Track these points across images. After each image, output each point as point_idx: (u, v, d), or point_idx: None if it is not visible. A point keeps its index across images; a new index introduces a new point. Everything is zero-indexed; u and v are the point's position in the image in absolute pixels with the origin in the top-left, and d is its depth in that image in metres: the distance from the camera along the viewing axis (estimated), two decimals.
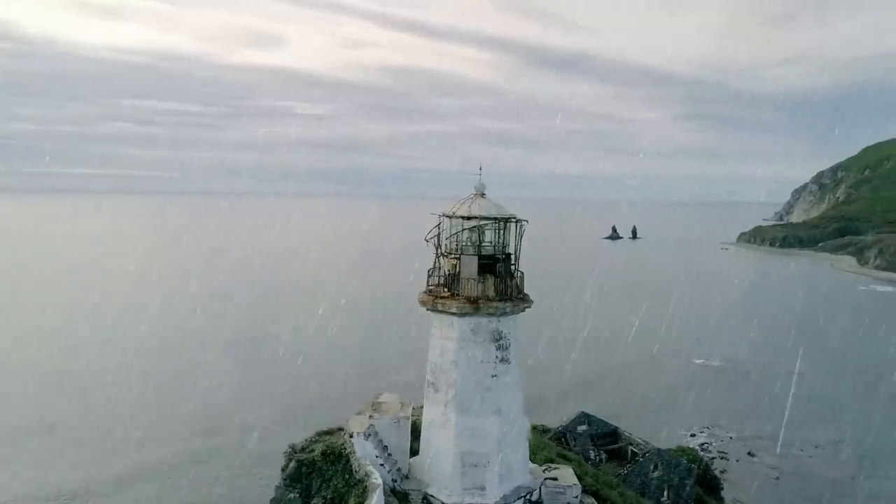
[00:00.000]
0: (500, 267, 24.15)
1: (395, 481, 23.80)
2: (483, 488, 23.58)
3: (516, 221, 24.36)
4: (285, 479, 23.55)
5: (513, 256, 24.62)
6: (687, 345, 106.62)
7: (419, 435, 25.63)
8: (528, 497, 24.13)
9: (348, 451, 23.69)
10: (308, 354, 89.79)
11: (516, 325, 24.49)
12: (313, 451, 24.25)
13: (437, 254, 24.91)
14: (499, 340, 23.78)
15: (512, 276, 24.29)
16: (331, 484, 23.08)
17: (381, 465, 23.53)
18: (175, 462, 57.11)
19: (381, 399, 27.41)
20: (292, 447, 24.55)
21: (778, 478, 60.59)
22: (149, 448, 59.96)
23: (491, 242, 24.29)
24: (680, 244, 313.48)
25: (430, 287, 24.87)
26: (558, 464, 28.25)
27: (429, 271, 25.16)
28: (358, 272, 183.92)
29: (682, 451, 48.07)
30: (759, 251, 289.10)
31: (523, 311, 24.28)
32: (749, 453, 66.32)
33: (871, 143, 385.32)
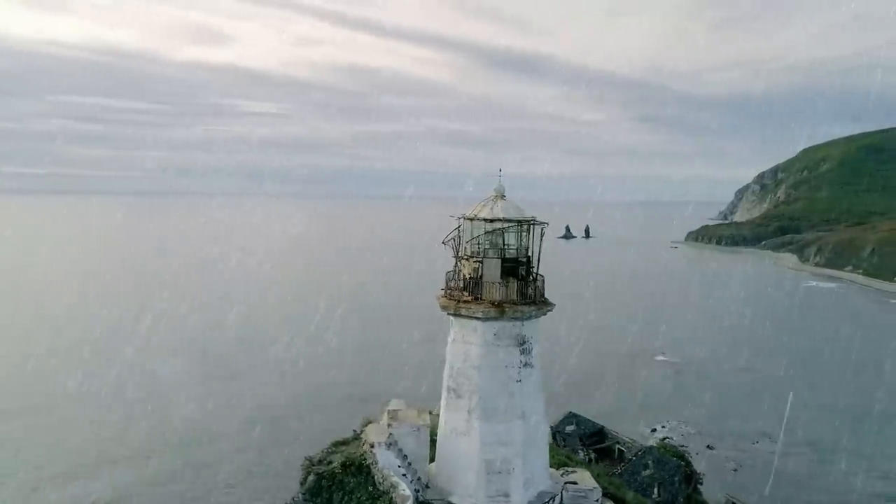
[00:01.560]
0: (522, 270, 23.83)
1: (418, 491, 23.15)
2: (507, 495, 23.19)
3: (537, 224, 24.06)
4: (304, 493, 22.56)
5: (533, 259, 24.31)
6: (647, 342, 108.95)
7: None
8: (550, 502, 23.88)
9: (369, 461, 22.91)
10: (294, 361, 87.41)
11: (538, 329, 24.20)
12: (332, 462, 23.33)
13: (456, 257, 24.38)
14: (522, 344, 23.43)
15: (534, 279, 23.98)
16: (353, 497, 22.25)
17: (404, 474, 22.85)
18: (174, 475, 54.32)
19: (392, 406, 26.66)
20: (309, 459, 23.56)
21: (736, 470, 62.37)
22: (144, 460, 56.87)
23: (513, 245, 23.91)
24: (632, 243, 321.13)
25: (449, 290, 24.31)
26: (569, 468, 28.10)
27: (447, 274, 24.62)
28: (334, 274, 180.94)
29: (665, 448, 48.88)
30: (707, 249, 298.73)
31: (545, 314, 24.01)
32: (708, 446, 68.07)
33: (808, 145, 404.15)
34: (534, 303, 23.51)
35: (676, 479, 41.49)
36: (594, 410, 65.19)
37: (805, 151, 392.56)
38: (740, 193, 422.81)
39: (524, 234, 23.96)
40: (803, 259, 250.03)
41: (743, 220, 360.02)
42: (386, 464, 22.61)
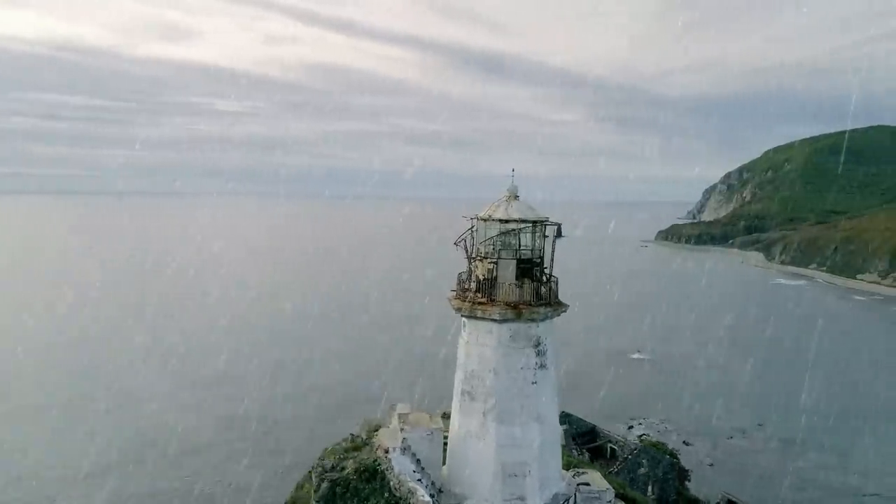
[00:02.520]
0: (536, 271, 23.62)
1: (433, 496, 22.76)
2: (523, 498, 22.98)
3: (550, 225, 23.87)
4: (318, 501, 21.99)
5: (546, 260, 24.12)
6: (622, 340, 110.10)
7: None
8: None
9: (384, 467, 22.44)
10: (275, 365, 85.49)
11: (552, 330, 24.01)
12: (345, 468, 22.79)
13: (468, 258, 24.05)
14: (537, 346, 23.21)
15: (548, 280, 23.79)
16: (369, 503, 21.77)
17: (419, 480, 22.45)
18: (163, 486, 52.28)
19: (400, 410, 26.18)
20: (322, 466, 22.98)
21: (712, 464, 63.24)
22: (130, 472, 54.43)
23: (527, 246, 23.67)
24: (602, 242, 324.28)
25: (461, 292, 23.94)
26: (579, 468, 28.03)
27: (459, 275, 24.29)
28: (312, 275, 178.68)
29: (657, 446, 49.32)
30: (676, 248, 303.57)
31: (559, 315, 23.84)
32: (685, 442, 68.96)
33: (772, 146, 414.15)
34: (549, 304, 23.32)
35: (670, 476, 41.90)
36: (572, 408, 65.59)
37: (769, 152, 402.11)
38: (708, 193, 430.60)
39: (538, 234, 23.76)
40: (770, 257, 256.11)
41: (711, 219, 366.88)
42: (402, 469, 22.19)
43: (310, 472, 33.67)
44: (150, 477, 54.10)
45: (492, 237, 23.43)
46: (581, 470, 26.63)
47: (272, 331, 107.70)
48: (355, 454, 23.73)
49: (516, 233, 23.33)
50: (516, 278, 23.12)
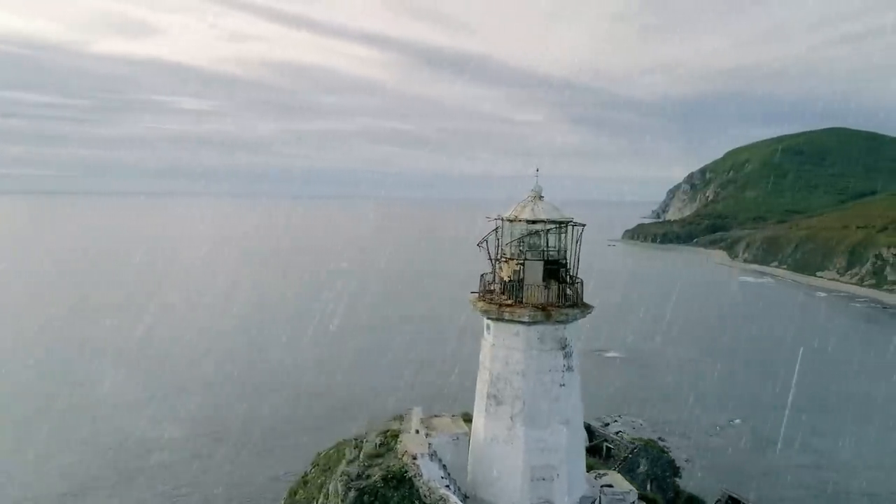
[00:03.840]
0: (563, 272, 23.36)
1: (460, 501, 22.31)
2: (551, 502, 22.68)
3: (576, 225, 23.65)
4: None
5: (570, 261, 23.89)
6: (596, 339, 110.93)
7: None
8: None
9: (411, 473, 21.88)
10: (254, 372, 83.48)
11: (577, 332, 23.81)
12: (370, 476, 22.14)
13: (492, 259, 23.64)
14: (565, 348, 22.96)
15: (573, 281, 23.56)
16: None
17: (447, 486, 21.97)
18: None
19: (416, 415, 25.66)
20: (347, 475, 22.27)
21: (688, 460, 64.08)
22: (116, 486, 52.21)
23: (553, 247, 23.40)
24: None
25: (486, 294, 23.53)
26: (599, 470, 27.91)
27: (483, 276, 23.87)
28: (287, 276, 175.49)
29: (647, 443, 49.60)
30: (643, 247, 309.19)
31: (585, 316, 23.64)
32: (660, 439, 69.82)
33: (733, 146, 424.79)
34: (576, 305, 23.09)
35: (668, 474, 42.21)
36: None
37: (730, 153, 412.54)
38: (672, 193, 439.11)
39: (563, 234, 23.53)
40: (733, 255, 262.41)
41: (675, 218, 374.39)
42: (430, 475, 21.67)
43: (303, 476, 32.90)
44: (137, 488, 52.11)
45: (518, 238, 23.09)
46: (602, 472, 26.52)
47: (255, 335, 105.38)
48: (379, 461, 23.09)
49: (543, 233, 23.03)
50: (543, 279, 22.83)
